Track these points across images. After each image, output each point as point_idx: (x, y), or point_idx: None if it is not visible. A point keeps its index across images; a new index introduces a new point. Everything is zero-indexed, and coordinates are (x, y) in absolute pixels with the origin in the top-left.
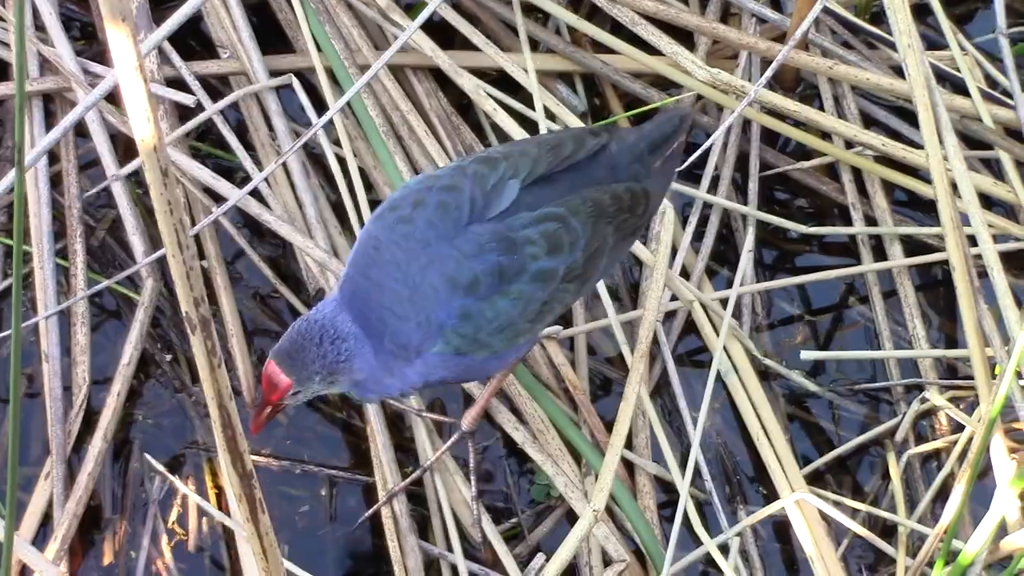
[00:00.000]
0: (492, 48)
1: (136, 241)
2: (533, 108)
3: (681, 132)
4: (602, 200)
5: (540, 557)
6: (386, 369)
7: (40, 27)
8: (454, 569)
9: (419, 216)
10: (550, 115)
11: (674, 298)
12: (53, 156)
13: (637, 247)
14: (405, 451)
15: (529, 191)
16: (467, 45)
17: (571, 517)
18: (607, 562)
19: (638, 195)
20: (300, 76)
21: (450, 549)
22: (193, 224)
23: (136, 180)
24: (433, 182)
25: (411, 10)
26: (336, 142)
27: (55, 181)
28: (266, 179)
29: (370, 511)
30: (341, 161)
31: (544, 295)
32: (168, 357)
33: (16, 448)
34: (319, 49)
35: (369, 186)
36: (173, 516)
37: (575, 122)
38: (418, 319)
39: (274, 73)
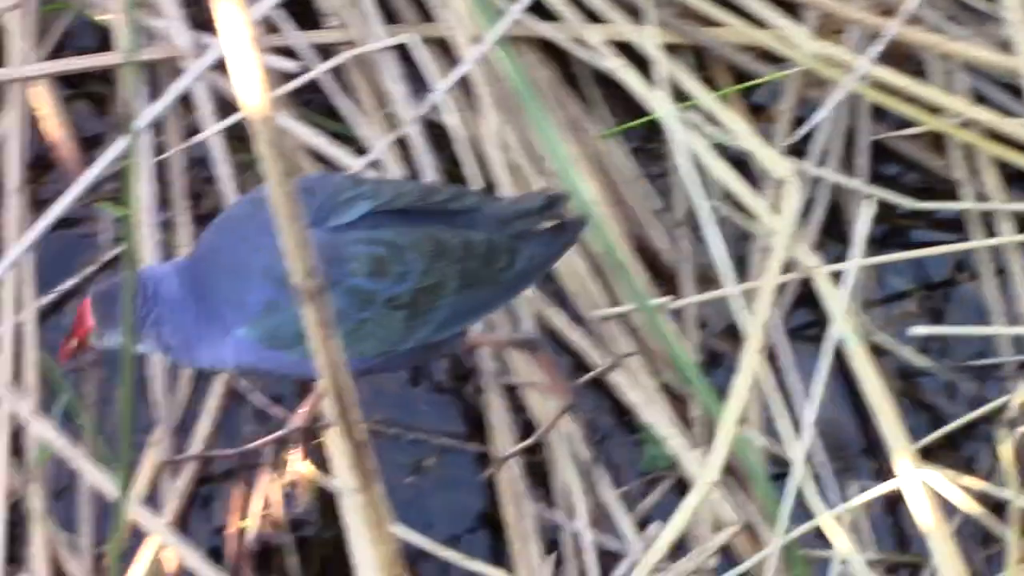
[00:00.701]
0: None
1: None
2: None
3: (552, 209)
4: (449, 242)
5: (655, 525)
6: (201, 340)
7: None
8: (573, 536)
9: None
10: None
11: (784, 271)
12: (158, 128)
13: (743, 218)
14: (517, 419)
15: (382, 218)
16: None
17: (680, 488)
18: (716, 527)
19: (499, 249)
20: (403, 47)
21: (569, 516)
22: None
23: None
24: (300, 182)
25: None
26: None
27: (159, 151)
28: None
29: (489, 470)
30: (436, 128)
31: (361, 314)
32: None
33: (129, 413)
34: (427, 19)
35: (480, 159)
36: (284, 481)
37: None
38: (231, 298)
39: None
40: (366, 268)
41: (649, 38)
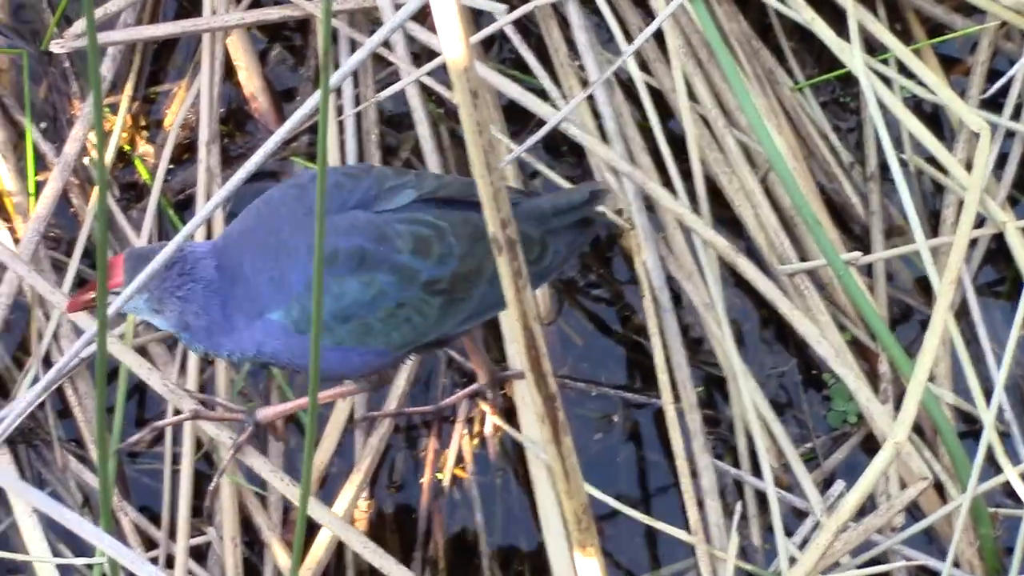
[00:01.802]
0: None
1: (432, 163)
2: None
3: (593, 204)
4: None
5: (839, 484)
6: (224, 327)
7: None
8: (757, 494)
9: (312, 187)
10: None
11: (976, 226)
12: (354, 79)
13: (935, 172)
14: (696, 373)
15: (425, 204)
16: None
17: (868, 443)
18: (902, 484)
19: (531, 240)
20: None
21: (754, 473)
22: None
23: (435, 99)
24: (340, 168)
25: None
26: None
27: (356, 102)
28: (563, 95)
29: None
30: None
31: (399, 295)
32: None
33: (317, 365)
34: None
35: (667, 111)
36: (474, 435)
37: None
38: (272, 274)
39: None
40: (410, 245)
41: None
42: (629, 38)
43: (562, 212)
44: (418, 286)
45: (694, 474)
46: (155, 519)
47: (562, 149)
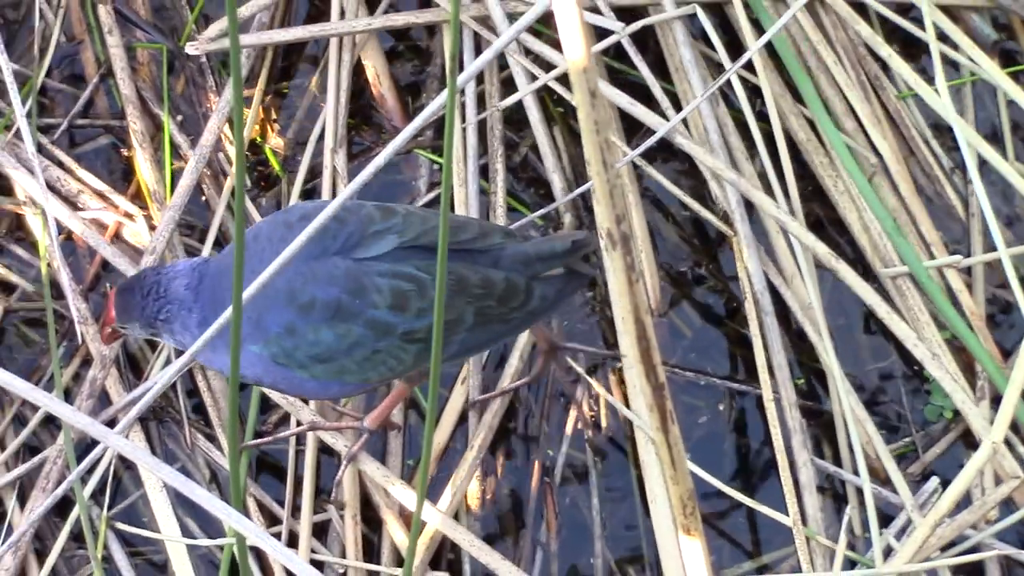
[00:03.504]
0: None
1: (550, 162)
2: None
3: (575, 254)
4: (469, 279)
5: (933, 480)
6: (209, 348)
7: None
8: (856, 489)
9: (300, 228)
10: (952, 45)
11: None
12: (478, 78)
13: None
14: (793, 362)
15: (407, 252)
16: None
17: (966, 439)
18: (997, 478)
19: (516, 288)
20: (707, 6)
21: (855, 470)
22: None
23: (556, 97)
24: (328, 209)
25: None
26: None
27: (479, 99)
28: (673, 104)
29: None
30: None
31: (376, 344)
32: None
33: (440, 348)
34: None
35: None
36: (588, 418)
37: (980, 57)
38: (249, 314)
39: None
40: (388, 301)
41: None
42: (737, 48)
43: (545, 258)
44: (395, 336)
45: (793, 467)
46: (276, 494)
47: (673, 149)
